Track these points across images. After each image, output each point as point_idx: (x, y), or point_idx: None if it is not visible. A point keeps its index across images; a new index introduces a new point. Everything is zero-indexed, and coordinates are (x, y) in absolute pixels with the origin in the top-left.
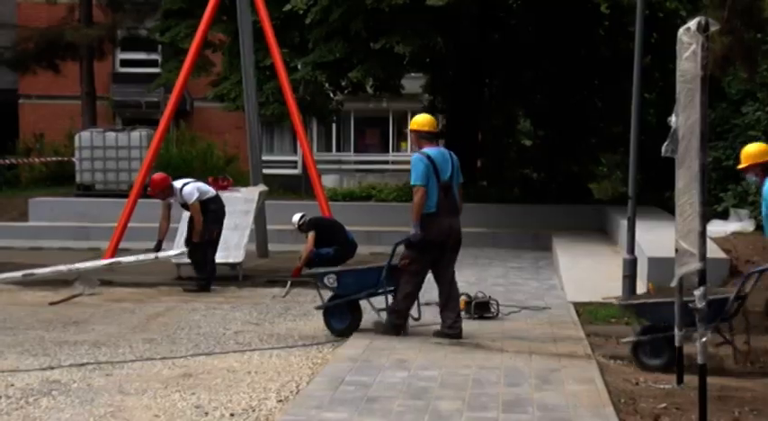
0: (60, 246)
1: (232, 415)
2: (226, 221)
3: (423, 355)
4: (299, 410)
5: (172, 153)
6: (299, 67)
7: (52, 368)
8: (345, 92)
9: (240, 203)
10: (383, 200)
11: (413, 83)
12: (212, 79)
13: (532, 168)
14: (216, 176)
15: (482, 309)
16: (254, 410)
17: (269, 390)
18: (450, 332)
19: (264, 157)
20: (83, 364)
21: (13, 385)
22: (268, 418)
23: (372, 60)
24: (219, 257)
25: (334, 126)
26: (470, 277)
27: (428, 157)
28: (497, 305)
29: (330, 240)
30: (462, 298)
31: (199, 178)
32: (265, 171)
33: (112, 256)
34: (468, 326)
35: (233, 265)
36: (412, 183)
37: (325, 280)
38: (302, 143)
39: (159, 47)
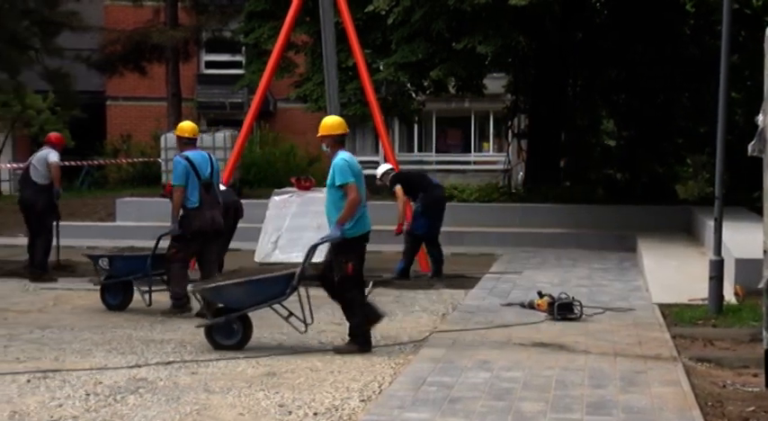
0: (146, 245)
1: (315, 414)
2: (308, 221)
3: (505, 356)
4: (382, 410)
5: (255, 153)
6: (382, 67)
7: (139, 366)
8: (427, 92)
9: (323, 204)
10: (465, 200)
11: (495, 83)
12: (295, 80)
13: (616, 169)
14: (298, 177)
15: (565, 310)
16: (336, 410)
17: (352, 390)
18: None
19: None
20: (169, 363)
21: (101, 383)
22: (351, 418)
23: (454, 60)
24: (301, 257)
25: (415, 126)
26: (554, 278)
27: (187, 159)
28: (581, 306)
29: (416, 190)
30: (545, 299)
31: (282, 179)
32: None
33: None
34: (552, 327)
35: (315, 266)
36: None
37: (100, 262)
38: (384, 143)
39: (243, 48)
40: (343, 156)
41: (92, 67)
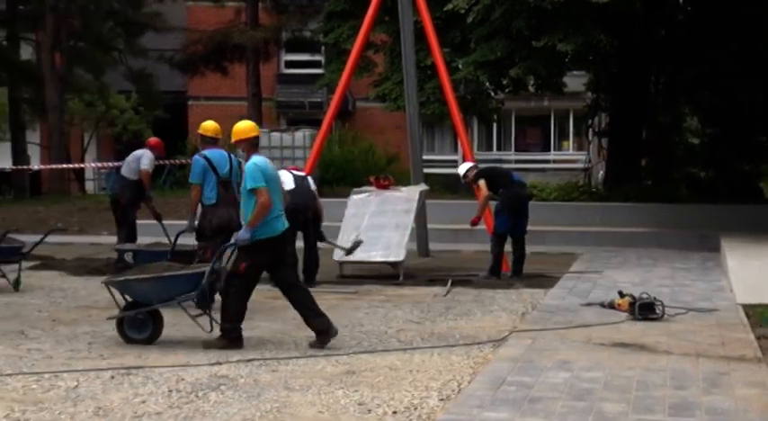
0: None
1: (395, 412)
2: (386, 220)
3: (586, 356)
4: (461, 409)
5: (334, 153)
6: (461, 66)
7: (220, 363)
8: (506, 91)
9: (401, 202)
10: (545, 199)
11: (575, 81)
12: (374, 79)
13: (700, 167)
14: (377, 176)
15: (647, 310)
16: (415, 408)
17: (430, 389)
18: None
19: (425, 157)
20: (249, 360)
21: (183, 380)
22: (430, 417)
23: (534, 58)
24: (380, 256)
25: (494, 125)
26: (634, 278)
27: (205, 157)
28: (663, 306)
29: (498, 186)
30: (626, 298)
31: (360, 178)
32: (426, 170)
33: None
34: (633, 327)
35: (394, 264)
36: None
37: (125, 256)
38: (463, 142)
39: (322, 48)
40: (254, 160)
41: (174, 68)
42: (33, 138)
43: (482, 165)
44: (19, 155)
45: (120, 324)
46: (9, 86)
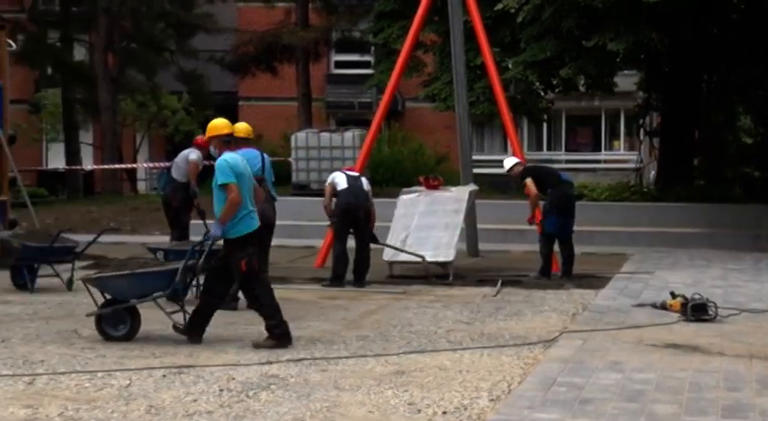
0: (277, 243)
1: (444, 413)
2: (436, 220)
3: (637, 357)
4: (511, 410)
5: (384, 153)
6: (510, 66)
7: (270, 363)
8: (556, 90)
9: (451, 202)
10: (595, 199)
11: (626, 80)
12: (423, 79)
13: (753, 166)
14: (427, 176)
15: (700, 311)
16: (465, 409)
17: (480, 389)
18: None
19: (475, 157)
20: (299, 360)
21: (234, 379)
22: (480, 417)
23: (585, 58)
24: (430, 256)
25: (544, 125)
26: (686, 278)
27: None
28: (716, 307)
29: (545, 185)
30: (678, 299)
31: (410, 178)
32: (476, 170)
33: (326, 255)
34: (685, 328)
35: (443, 264)
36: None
37: (156, 254)
38: (513, 142)
39: (372, 48)
40: (225, 157)
41: (225, 68)
42: (86, 138)
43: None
44: (72, 155)
45: (99, 321)
46: (63, 87)
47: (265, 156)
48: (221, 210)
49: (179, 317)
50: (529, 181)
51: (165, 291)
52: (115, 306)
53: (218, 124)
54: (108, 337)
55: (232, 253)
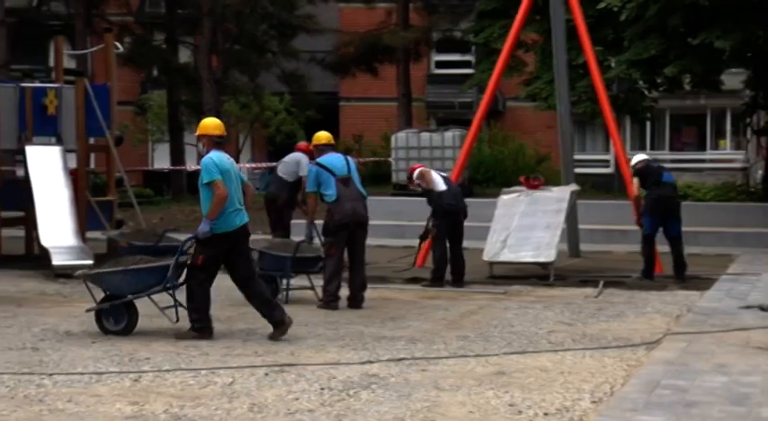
0: (377, 243)
1: (546, 414)
2: (536, 220)
3: (744, 360)
4: (614, 412)
5: (484, 153)
6: (613, 64)
7: (371, 362)
8: (661, 89)
9: (552, 203)
10: (700, 199)
11: (732, 78)
12: (524, 79)
13: None
14: (527, 175)
15: None
16: (567, 410)
17: (582, 391)
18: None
19: (576, 156)
20: (400, 359)
21: (335, 377)
22: (582, 419)
23: (690, 56)
24: (530, 257)
25: (648, 124)
26: None
27: (318, 164)
28: None
29: (647, 185)
30: None
31: (510, 178)
32: (577, 170)
33: (425, 255)
34: None
35: (544, 265)
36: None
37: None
38: (615, 142)
39: (473, 48)
40: (211, 155)
41: (326, 69)
42: (191, 139)
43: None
44: (177, 155)
45: (99, 316)
46: (168, 89)
47: (349, 158)
48: (208, 207)
49: (171, 313)
50: (635, 181)
51: (159, 286)
52: (112, 301)
53: (210, 124)
54: (107, 332)
55: (205, 245)
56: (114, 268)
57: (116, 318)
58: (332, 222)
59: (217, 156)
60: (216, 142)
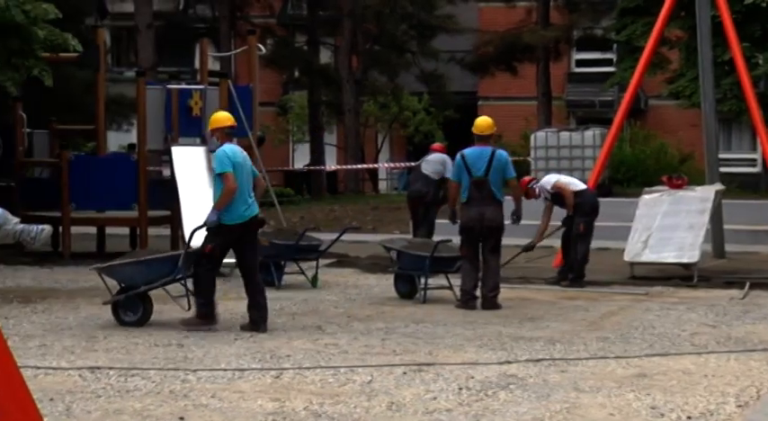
0: (515, 244)
1: (689, 418)
2: (679, 220)
3: None
4: (760, 417)
5: (625, 152)
6: (761, 61)
7: (509, 362)
8: None
9: (695, 202)
10: None
11: None
12: (668, 76)
13: None
14: (670, 175)
15: None
16: (711, 414)
17: (727, 394)
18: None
19: (721, 155)
20: (538, 360)
21: (473, 377)
22: None
23: None
24: (673, 257)
25: None
26: None
27: (462, 157)
28: None
29: None
30: None
31: (652, 177)
32: (722, 169)
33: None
34: None
35: (687, 265)
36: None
37: (390, 253)
38: (762, 141)
39: (614, 46)
40: (225, 148)
41: (465, 69)
42: (330, 139)
43: None
44: (317, 156)
45: (115, 308)
46: (309, 89)
47: (498, 153)
48: (218, 198)
49: (184, 302)
50: None
51: (170, 276)
52: (127, 293)
53: (222, 117)
54: (123, 323)
55: (214, 234)
56: (126, 260)
57: (132, 310)
58: (461, 223)
59: (230, 149)
60: (227, 133)
